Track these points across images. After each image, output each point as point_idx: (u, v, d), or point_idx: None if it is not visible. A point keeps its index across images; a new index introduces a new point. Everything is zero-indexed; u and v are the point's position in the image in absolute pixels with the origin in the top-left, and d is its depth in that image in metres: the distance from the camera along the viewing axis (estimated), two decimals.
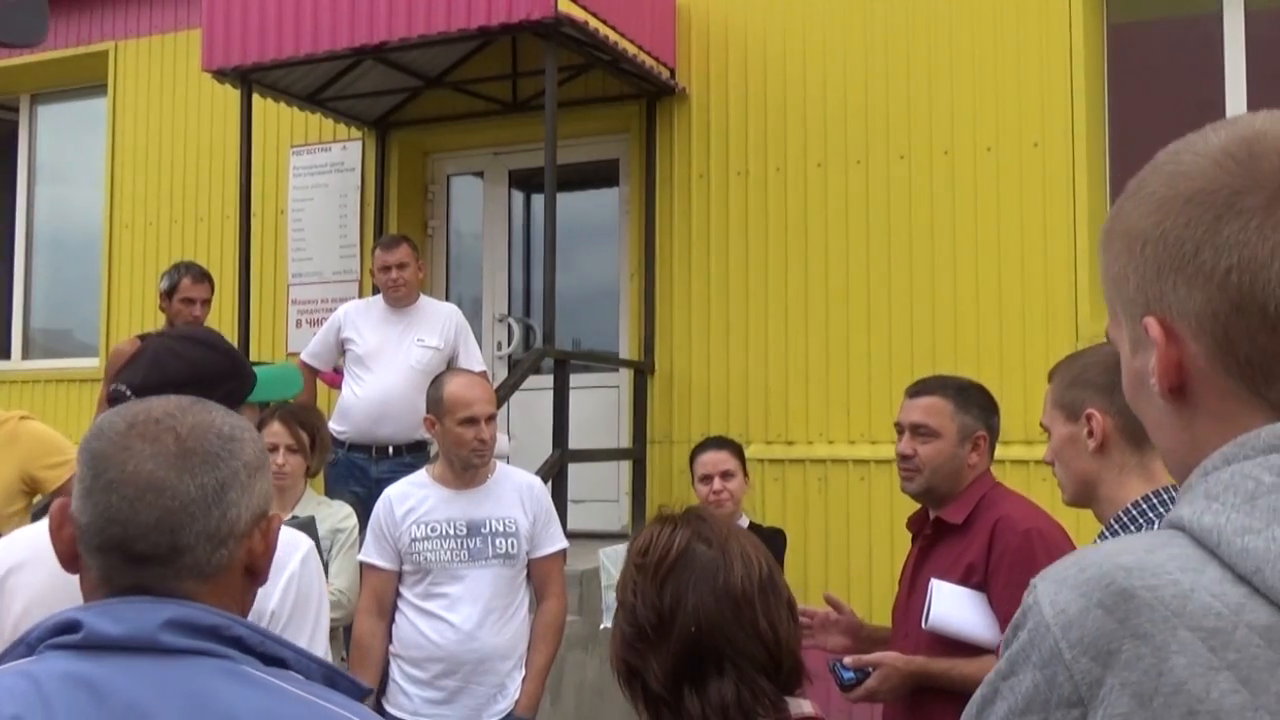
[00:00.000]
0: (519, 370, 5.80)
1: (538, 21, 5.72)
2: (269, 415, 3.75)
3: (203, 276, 5.62)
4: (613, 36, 6.09)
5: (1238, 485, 0.85)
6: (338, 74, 6.79)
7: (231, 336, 6.56)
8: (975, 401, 2.96)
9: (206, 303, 5.60)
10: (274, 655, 1.27)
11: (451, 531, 3.58)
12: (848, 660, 2.79)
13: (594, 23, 5.93)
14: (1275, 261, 0.86)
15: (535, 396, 6.41)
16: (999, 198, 5.95)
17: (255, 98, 6.74)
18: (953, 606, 2.74)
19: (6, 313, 8.88)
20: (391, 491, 3.69)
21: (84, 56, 8.29)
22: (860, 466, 6.10)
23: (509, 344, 7.32)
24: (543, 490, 3.82)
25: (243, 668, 1.23)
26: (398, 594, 3.63)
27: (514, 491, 3.68)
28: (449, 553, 3.57)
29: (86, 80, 8.41)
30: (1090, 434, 2.09)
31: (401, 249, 5.41)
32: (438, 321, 5.38)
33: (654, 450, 6.64)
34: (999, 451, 3.07)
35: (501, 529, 3.61)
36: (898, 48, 6.22)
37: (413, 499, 3.63)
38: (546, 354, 5.90)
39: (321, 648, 1.93)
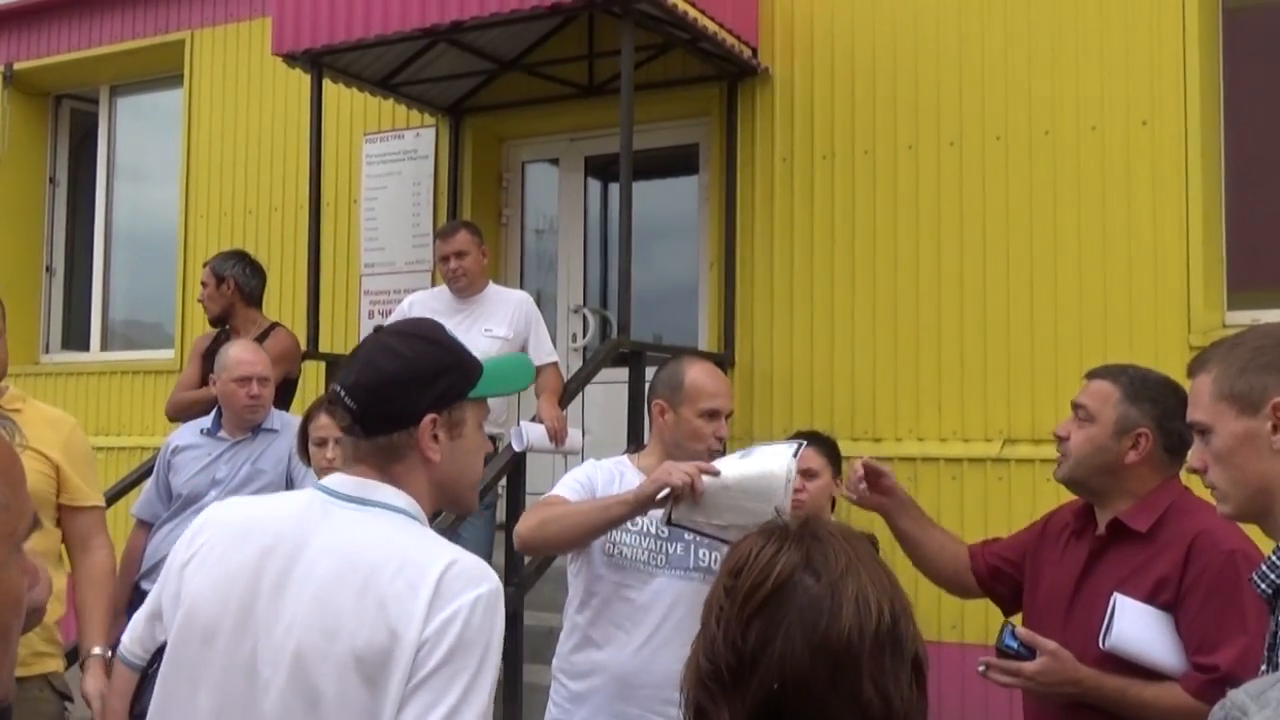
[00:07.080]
0: (592, 363, 5.58)
1: None
2: (315, 407, 3.53)
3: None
4: (692, 13, 5.82)
5: None
6: (410, 58, 6.61)
7: (301, 326, 6.43)
8: (1148, 395, 2.62)
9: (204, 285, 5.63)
10: None
11: (654, 530, 3.03)
12: (1020, 631, 2.51)
13: None
14: None
15: (613, 390, 6.17)
16: (1104, 179, 5.57)
17: (328, 84, 6.60)
18: (1138, 627, 2.45)
19: (86, 305, 8.90)
20: (603, 463, 3.18)
21: (161, 46, 8.25)
22: (952, 466, 5.77)
23: (584, 335, 7.09)
24: None
25: None
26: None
27: None
28: (645, 552, 3.04)
29: (164, 70, 8.37)
30: (1277, 428, 1.78)
31: (459, 236, 5.18)
32: (507, 310, 5.16)
33: (734, 447, 6.32)
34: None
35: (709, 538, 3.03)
36: (994, 21, 5.86)
37: (618, 484, 3.06)
38: (621, 345, 5.66)
39: (475, 711, 1.70)
